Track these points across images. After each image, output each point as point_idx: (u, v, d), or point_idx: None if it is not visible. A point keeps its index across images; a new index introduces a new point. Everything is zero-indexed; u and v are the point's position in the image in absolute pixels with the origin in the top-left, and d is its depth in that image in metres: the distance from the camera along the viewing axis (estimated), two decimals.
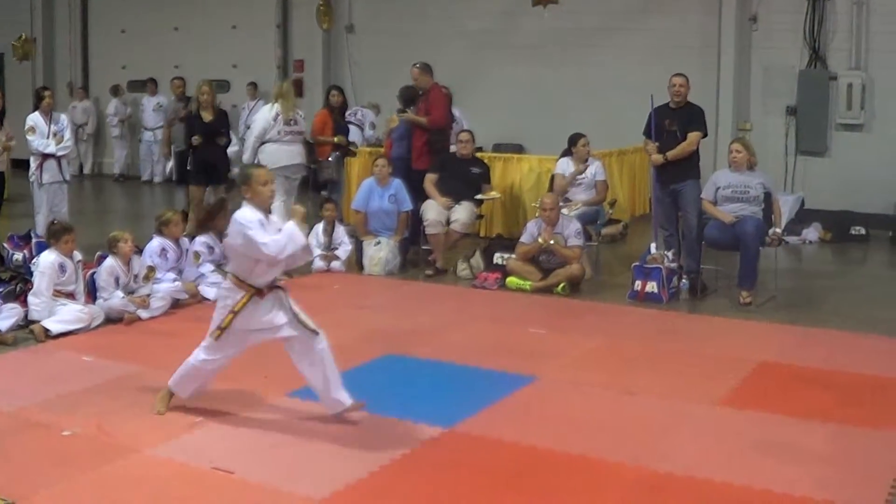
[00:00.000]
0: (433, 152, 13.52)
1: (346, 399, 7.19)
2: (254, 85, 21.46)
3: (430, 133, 13.53)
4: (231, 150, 14.64)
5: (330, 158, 15.12)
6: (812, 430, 7.18)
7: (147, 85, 23.02)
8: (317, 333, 7.11)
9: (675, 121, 11.76)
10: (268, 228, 6.93)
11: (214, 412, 7.37)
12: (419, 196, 13.10)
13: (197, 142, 13.51)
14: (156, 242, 11.00)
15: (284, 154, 13.49)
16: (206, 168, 13.67)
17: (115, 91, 23.55)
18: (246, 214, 6.92)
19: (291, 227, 6.93)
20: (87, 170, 24.15)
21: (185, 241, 11.34)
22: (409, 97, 14.53)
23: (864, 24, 16.55)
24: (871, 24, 16.48)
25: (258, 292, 6.98)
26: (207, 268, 11.29)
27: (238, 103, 21.65)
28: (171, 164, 16.75)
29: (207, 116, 13.72)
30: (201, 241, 11.44)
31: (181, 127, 15.04)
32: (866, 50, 16.58)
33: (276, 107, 13.57)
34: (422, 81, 13.71)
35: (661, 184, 11.92)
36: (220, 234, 11.62)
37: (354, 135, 17.54)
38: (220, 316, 7.09)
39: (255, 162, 12.92)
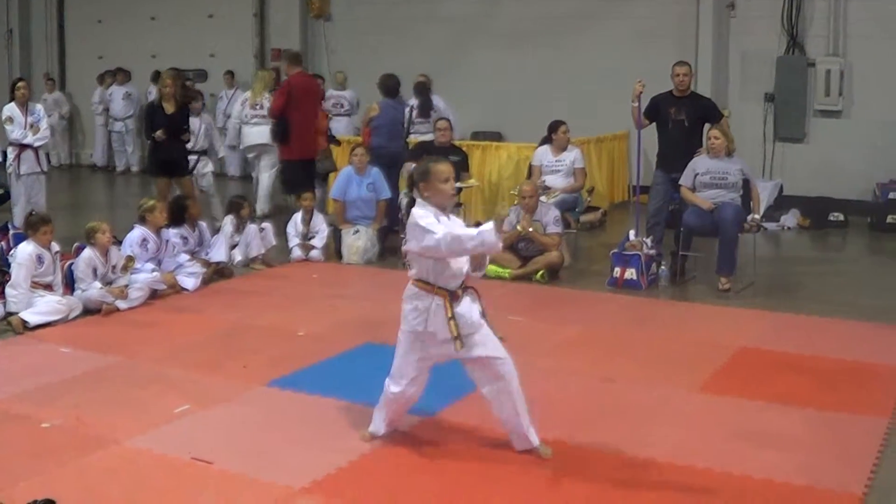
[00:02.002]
0: (274, 141, 14.86)
1: (534, 438, 6.46)
2: (231, 74, 21.39)
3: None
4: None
5: (325, 148, 15.18)
6: (791, 415, 7.20)
7: (116, 74, 22.91)
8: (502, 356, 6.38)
9: (682, 109, 11.88)
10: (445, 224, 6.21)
11: (194, 403, 7.37)
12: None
13: (160, 137, 13.24)
14: (137, 232, 10.94)
15: (253, 134, 16.02)
16: (167, 163, 13.48)
17: (101, 80, 23.41)
18: (419, 211, 6.23)
19: (484, 228, 5.99)
20: (63, 160, 24.03)
21: (171, 233, 11.26)
22: (390, 86, 14.53)
23: (841, 10, 16.56)
24: (849, 10, 16.50)
25: (452, 295, 6.31)
26: (184, 257, 11.26)
27: (216, 92, 21.57)
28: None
29: (170, 108, 13.41)
30: (174, 232, 11.38)
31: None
32: (844, 36, 16.59)
33: (247, 93, 16.03)
34: (284, 69, 15.23)
35: (663, 170, 12.04)
36: (194, 224, 11.63)
37: (345, 126, 17.80)
38: (417, 326, 6.40)
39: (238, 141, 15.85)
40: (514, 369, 6.41)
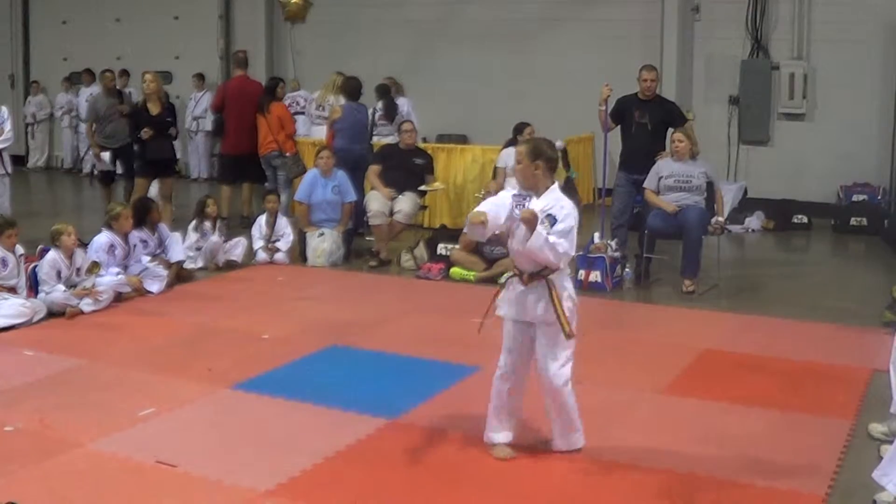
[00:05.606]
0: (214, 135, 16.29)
1: (499, 436, 6.56)
2: (200, 76, 21.30)
3: None
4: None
5: (296, 153, 15.25)
6: (755, 417, 7.24)
7: (83, 76, 22.80)
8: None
9: (647, 113, 11.92)
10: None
11: (158, 406, 7.34)
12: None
13: (147, 135, 13.39)
14: (104, 238, 10.87)
15: (315, 132, 16.80)
16: (155, 161, 13.56)
17: (67, 82, 23.28)
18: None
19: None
20: (41, 163, 24.02)
21: (133, 236, 11.18)
22: (351, 89, 14.52)
23: (805, 14, 16.67)
24: (813, 14, 16.60)
25: (520, 275, 6.47)
26: (145, 259, 11.19)
27: (182, 94, 21.46)
28: (105, 158, 16.05)
29: (154, 109, 13.61)
30: (136, 235, 11.28)
31: (120, 122, 14.81)
32: (808, 40, 16.70)
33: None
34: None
35: (626, 172, 12.07)
36: (154, 227, 11.53)
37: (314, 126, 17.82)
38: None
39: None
40: None
